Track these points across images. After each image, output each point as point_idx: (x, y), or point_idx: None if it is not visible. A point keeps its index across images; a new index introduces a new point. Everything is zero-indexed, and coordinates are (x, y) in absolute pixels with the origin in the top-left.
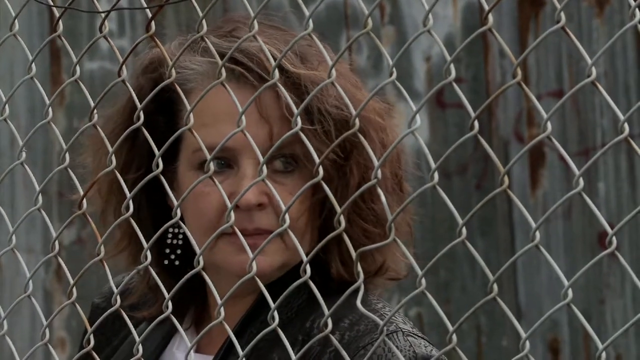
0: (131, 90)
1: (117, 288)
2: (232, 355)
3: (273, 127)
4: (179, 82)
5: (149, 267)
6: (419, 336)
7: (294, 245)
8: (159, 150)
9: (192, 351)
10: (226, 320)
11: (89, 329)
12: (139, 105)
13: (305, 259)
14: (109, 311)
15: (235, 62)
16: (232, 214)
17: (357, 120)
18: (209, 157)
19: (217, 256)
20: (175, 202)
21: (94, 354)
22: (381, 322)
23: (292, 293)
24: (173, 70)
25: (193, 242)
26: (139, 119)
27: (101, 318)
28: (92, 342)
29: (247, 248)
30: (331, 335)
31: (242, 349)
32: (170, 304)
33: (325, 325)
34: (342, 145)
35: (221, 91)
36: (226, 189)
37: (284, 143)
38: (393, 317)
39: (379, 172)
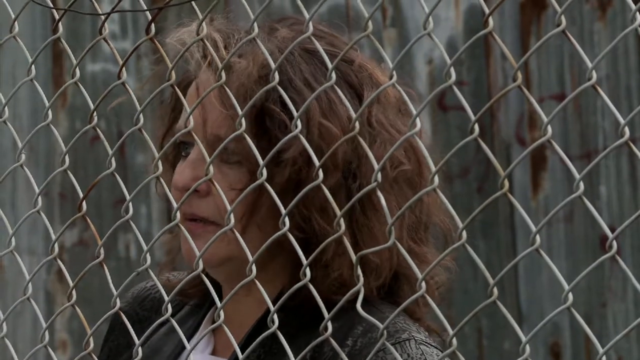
0: (131, 92)
1: (136, 293)
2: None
3: (208, 119)
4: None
5: (148, 269)
6: (432, 345)
7: (230, 234)
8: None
9: (192, 354)
10: (242, 322)
11: (89, 331)
12: (138, 107)
13: (250, 257)
14: (106, 315)
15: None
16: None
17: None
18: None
19: None
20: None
21: (93, 356)
22: (380, 325)
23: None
24: (173, 73)
25: (189, 238)
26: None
27: (98, 323)
28: (92, 345)
29: (188, 236)
30: (331, 339)
31: (257, 352)
32: (169, 306)
33: (325, 328)
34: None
35: (203, 72)
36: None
37: (223, 135)
38: (407, 326)
39: (379, 175)
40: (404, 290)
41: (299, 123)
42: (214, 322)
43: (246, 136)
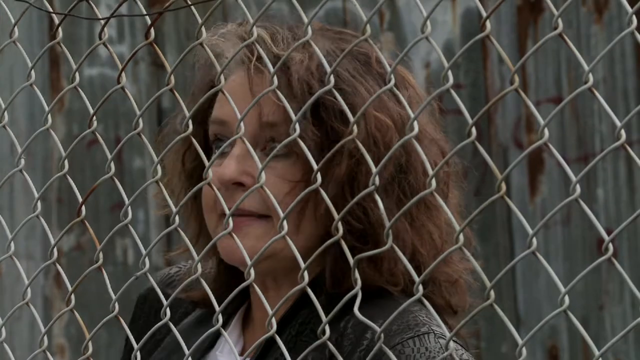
0: (130, 96)
1: (158, 279)
2: (269, 357)
3: (263, 108)
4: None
5: (147, 274)
6: (452, 340)
7: (283, 235)
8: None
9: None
10: (265, 318)
11: (87, 336)
12: (137, 112)
13: (300, 259)
14: (104, 320)
15: (252, 49)
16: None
17: (354, 127)
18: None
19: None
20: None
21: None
22: (377, 328)
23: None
24: (172, 77)
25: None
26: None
27: (96, 328)
28: (91, 349)
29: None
30: (329, 343)
31: (279, 351)
32: (168, 311)
33: (323, 332)
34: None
35: (240, 70)
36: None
37: (278, 123)
38: (427, 319)
39: (377, 178)
40: (435, 289)
41: (355, 128)
42: (244, 320)
43: (300, 141)
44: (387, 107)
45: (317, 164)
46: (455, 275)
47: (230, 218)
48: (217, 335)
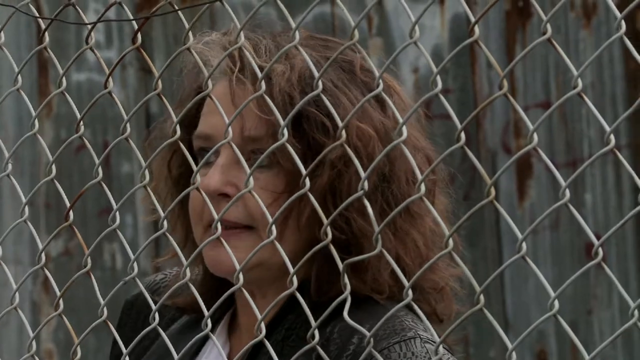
0: (117, 101)
1: (145, 285)
2: None
3: (246, 122)
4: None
5: (136, 279)
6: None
7: (270, 243)
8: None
9: None
10: (252, 323)
11: (76, 341)
12: (125, 117)
13: (289, 263)
14: (93, 324)
15: (235, 60)
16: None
17: (343, 133)
18: (194, 168)
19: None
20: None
21: None
22: (367, 333)
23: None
24: (159, 82)
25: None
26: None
27: (85, 333)
28: (79, 354)
29: (225, 243)
30: (318, 347)
31: (268, 354)
32: (157, 315)
33: (312, 336)
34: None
35: (224, 80)
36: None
37: (260, 137)
38: (413, 324)
39: (366, 184)
40: (421, 297)
41: (343, 133)
42: (230, 326)
43: (289, 146)
44: (371, 116)
45: (300, 176)
46: (441, 283)
47: (219, 223)
48: (203, 341)
